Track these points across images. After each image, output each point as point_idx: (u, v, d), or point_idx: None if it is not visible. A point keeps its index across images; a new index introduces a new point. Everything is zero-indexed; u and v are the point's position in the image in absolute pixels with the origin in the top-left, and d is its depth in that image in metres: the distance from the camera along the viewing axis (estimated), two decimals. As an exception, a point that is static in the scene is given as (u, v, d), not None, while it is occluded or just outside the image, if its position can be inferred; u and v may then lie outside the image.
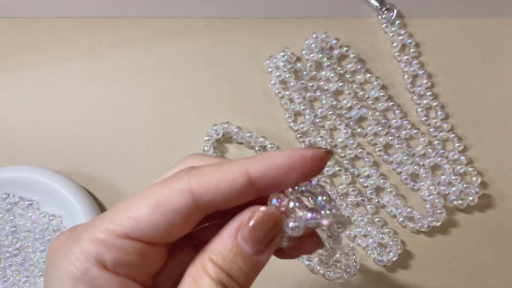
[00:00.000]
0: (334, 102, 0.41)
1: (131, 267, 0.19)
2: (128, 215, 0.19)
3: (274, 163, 0.20)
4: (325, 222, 0.20)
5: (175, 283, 0.20)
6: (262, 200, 0.21)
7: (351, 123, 0.40)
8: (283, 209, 0.20)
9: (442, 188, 0.38)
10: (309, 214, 0.20)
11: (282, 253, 0.23)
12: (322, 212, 0.20)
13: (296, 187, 0.21)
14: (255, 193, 0.20)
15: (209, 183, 0.19)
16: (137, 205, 0.19)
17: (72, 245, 0.19)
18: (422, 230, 0.37)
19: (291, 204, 0.20)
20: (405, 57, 0.42)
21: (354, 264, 0.35)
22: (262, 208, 0.20)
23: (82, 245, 0.19)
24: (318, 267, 0.36)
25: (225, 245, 0.19)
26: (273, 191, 0.20)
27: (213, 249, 0.19)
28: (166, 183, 0.20)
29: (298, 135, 0.40)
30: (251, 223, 0.19)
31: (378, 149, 0.40)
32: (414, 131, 0.40)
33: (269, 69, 0.41)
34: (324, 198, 0.21)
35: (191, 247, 0.23)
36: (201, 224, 0.22)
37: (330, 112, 0.40)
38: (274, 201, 0.20)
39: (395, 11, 0.43)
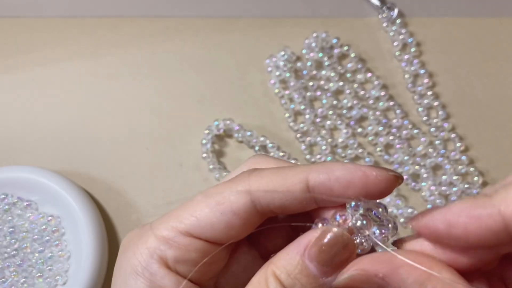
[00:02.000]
0: (335, 102, 0.40)
1: (191, 266, 0.20)
2: (190, 213, 0.20)
3: (334, 175, 0.19)
4: (390, 237, 0.19)
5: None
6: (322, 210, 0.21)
7: (352, 123, 0.40)
8: (347, 226, 0.19)
9: (443, 188, 0.38)
10: (378, 231, 0.19)
11: None
12: (388, 226, 0.19)
13: (358, 203, 0.20)
14: (313, 203, 0.20)
15: (267, 186, 0.19)
16: (199, 204, 0.20)
17: (139, 240, 0.20)
18: (423, 230, 0.37)
19: (359, 223, 0.19)
20: (406, 57, 0.42)
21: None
22: (337, 231, 0.19)
23: (148, 241, 0.20)
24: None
25: (290, 261, 0.19)
26: (332, 203, 0.20)
27: (277, 263, 0.19)
28: (228, 184, 0.20)
29: (298, 135, 0.40)
30: (321, 244, 0.18)
31: (379, 149, 0.40)
32: (415, 131, 0.40)
33: (269, 69, 0.41)
34: (380, 210, 0.20)
35: (256, 253, 0.23)
36: (261, 227, 0.22)
37: (330, 112, 0.40)
38: (338, 217, 0.19)
39: (396, 10, 0.42)
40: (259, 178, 0.20)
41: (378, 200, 0.20)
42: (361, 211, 0.20)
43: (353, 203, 0.20)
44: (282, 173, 0.20)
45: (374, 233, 0.19)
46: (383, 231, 0.19)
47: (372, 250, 0.20)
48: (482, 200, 0.16)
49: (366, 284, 0.18)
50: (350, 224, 0.19)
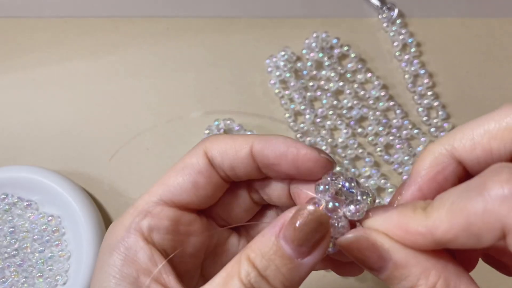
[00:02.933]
0: (335, 102, 0.40)
1: (164, 233, 0.21)
2: (161, 182, 0.22)
3: (271, 144, 0.21)
4: (367, 209, 0.19)
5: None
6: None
7: (352, 123, 0.40)
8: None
9: (443, 188, 0.38)
10: (352, 207, 0.19)
11: (341, 268, 0.23)
12: (363, 200, 0.20)
13: (326, 186, 0.20)
14: (258, 170, 0.22)
15: (219, 148, 0.22)
16: (168, 174, 0.22)
17: (117, 221, 0.22)
18: (423, 230, 0.37)
19: (330, 204, 0.19)
20: (406, 57, 0.42)
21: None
22: (309, 207, 0.19)
23: (124, 218, 0.22)
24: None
25: (265, 242, 0.19)
26: (275, 173, 0.22)
27: (253, 246, 0.19)
28: (189, 151, 0.23)
29: (298, 135, 0.40)
30: (295, 223, 0.18)
31: (379, 149, 0.40)
32: (415, 131, 0.40)
33: (269, 69, 0.41)
34: (353, 184, 0.20)
35: (246, 243, 0.24)
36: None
37: (330, 112, 0.40)
38: (310, 207, 0.19)
39: (396, 11, 0.42)
40: (214, 142, 0.22)
41: (349, 176, 0.21)
42: (330, 191, 0.20)
43: (321, 187, 0.20)
44: (234, 138, 0.22)
45: (350, 211, 0.19)
46: (357, 206, 0.19)
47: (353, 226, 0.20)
48: (418, 217, 0.18)
49: (367, 251, 0.18)
50: (323, 209, 0.19)
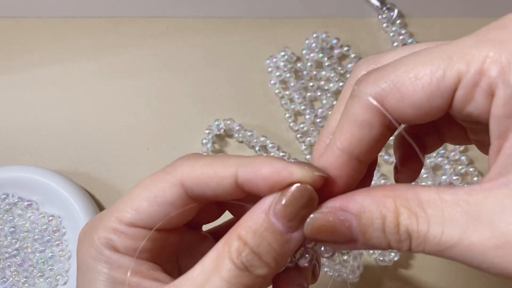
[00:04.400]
0: (335, 102, 0.41)
1: (142, 251, 0.21)
2: (131, 207, 0.21)
3: (260, 173, 0.19)
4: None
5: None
6: None
7: (352, 123, 0.40)
8: None
9: (443, 188, 0.38)
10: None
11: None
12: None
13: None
14: (243, 193, 0.20)
15: (198, 178, 0.20)
16: (138, 197, 0.21)
17: (92, 232, 0.21)
18: (423, 230, 0.37)
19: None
20: (406, 57, 0.42)
21: (359, 268, 0.35)
22: (297, 184, 0.19)
23: (98, 233, 0.21)
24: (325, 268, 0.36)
25: (256, 220, 0.19)
26: (263, 195, 0.20)
27: (243, 224, 0.19)
28: (163, 174, 0.21)
29: (298, 135, 0.40)
30: (284, 199, 0.19)
31: (378, 149, 0.40)
32: (415, 131, 0.40)
33: (269, 69, 0.41)
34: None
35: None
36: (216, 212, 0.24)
37: (330, 112, 0.40)
38: (298, 184, 0.20)
39: (396, 11, 0.43)
40: (192, 169, 0.21)
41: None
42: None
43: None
44: (214, 165, 0.20)
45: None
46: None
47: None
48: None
49: (332, 234, 0.18)
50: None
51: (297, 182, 0.19)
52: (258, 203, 0.20)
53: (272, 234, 0.19)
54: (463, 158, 0.39)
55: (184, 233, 0.24)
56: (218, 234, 0.25)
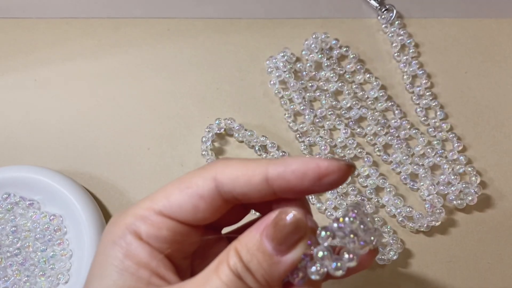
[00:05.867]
0: (334, 102, 0.41)
1: (162, 241, 0.22)
2: (163, 195, 0.22)
3: (290, 168, 0.21)
4: (338, 274, 0.20)
5: None
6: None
7: (351, 123, 0.40)
8: (311, 252, 0.21)
9: (441, 188, 0.38)
10: (334, 264, 0.20)
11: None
12: (345, 263, 0.21)
13: (335, 225, 0.21)
14: (272, 193, 0.21)
15: (231, 174, 0.21)
16: (172, 187, 0.22)
17: (121, 216, 0.23)
18: (422, 229, 0.38)
19: (320, 254, 0.20)
20: (405, 57, 0.42)
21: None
22: (291, 213, 0.20)
23: (126, 217, 0.22)
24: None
25: (251, 238, 0.21)
26: (291, 195, 0.21)
27: (241, 239, 0.21)
28: (198, 170, 0.22)
29: (297, 135, 0.40)
30: (275, 224, 0.20)
31: (377, 149, 0.40)
32: (414, 131, 0.40)
33: (269, 70, 0.41)
34: (356, 238, 0.21)
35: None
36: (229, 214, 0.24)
37: (329, 112, 0.40)
38: (292, 211, 0.21)
39: (395, 12, 0.43)
40: (225, 166, 0.22)
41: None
42: (327, 241, 0.21)
43: (323, 232, 0.21)
44: (247, 164, 0.22)
45: (332, 265, 0.20)
46: (339, 264, 0.20)
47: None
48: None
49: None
50: (313, 251, 0.21)
51: (324, 172, 0.20)
52: (257, 223, 0.21)
53: (262, 254, 0.20)
54: (461, 157, 0.39)
55: (204, 233, 0.24)
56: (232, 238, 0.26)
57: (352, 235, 0.21)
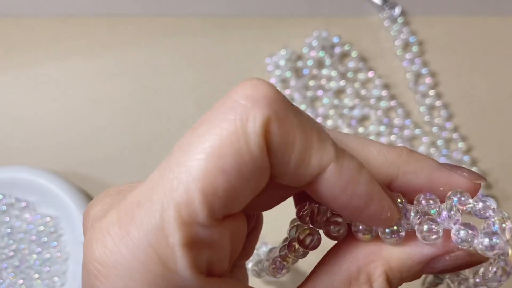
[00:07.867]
0: (336, 101, 0.40)
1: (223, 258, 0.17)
2: (200, 180, 0.16)
3: (433, 178, 0.19)
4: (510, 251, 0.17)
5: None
6: None
7: (353, 122, 0.40)
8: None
9: (445, 188, 0.38)
10: (487, 240, 0.16)
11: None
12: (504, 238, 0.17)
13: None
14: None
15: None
16: (208, 166, 0.16)
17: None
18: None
19: (462, 233, 0.17)
20: (408, 56, 0.41)
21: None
22: (459, 253, 0.18)
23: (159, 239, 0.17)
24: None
25: (409, 268, 0.18)
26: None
27: (393, 265, 0.18)
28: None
29: (299, 135, 0.40)
30: (449, 259, 0.18)
31: (380, 149, 0.39)
32: (417, 131, 0.40)
33: (270, 68, 0.41)
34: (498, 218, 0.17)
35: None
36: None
37: (331, 112, 0.40)
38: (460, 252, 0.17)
39: (398, 9, 0.42)
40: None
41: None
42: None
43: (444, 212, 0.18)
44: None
45: (485, 240, 0.17)
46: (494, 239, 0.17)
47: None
48: None
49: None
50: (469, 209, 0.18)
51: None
52: (412, 246, 0.18)
53: (413, 277, 0.18)
54: (466, 158, 0.39)
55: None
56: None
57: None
